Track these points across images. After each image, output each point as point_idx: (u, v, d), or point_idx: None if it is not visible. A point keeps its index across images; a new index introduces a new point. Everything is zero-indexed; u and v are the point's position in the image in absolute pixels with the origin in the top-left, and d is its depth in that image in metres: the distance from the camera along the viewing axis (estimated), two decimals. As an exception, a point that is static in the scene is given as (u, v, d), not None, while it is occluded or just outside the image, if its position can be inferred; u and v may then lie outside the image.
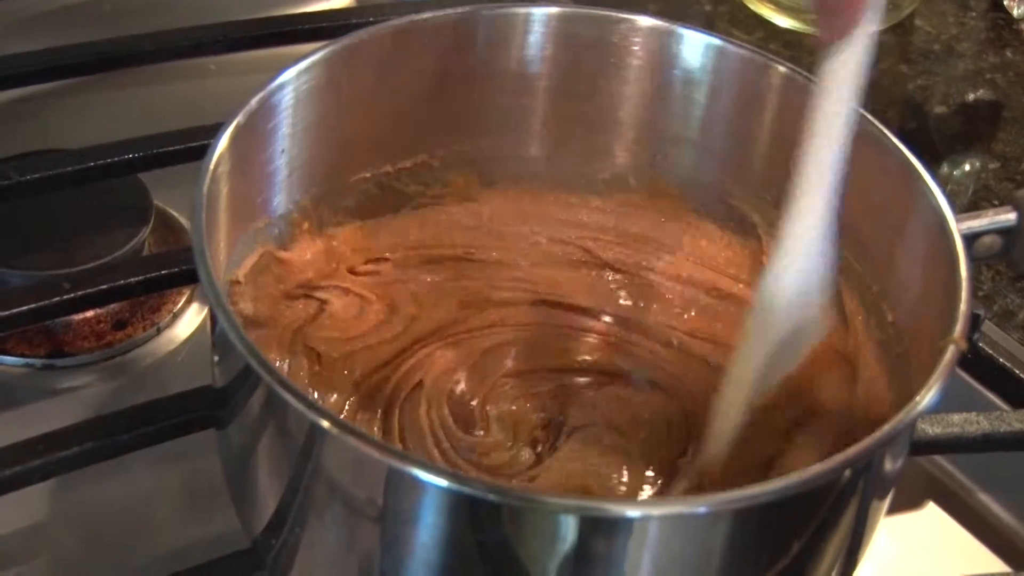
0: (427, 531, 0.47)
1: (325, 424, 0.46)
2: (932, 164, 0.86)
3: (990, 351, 0.70)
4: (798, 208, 0.55)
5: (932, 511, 0.70)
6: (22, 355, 0.70)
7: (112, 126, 0.76)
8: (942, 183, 0.84)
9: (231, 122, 0.55)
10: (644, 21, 0.64)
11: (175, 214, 0.77)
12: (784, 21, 0.95)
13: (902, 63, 0.94)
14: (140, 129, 0.74)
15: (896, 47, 0.95)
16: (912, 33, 0.96)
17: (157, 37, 0.80)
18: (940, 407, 0.61)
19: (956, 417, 0.63)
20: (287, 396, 0.47)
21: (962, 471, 0.71)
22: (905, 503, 0.70)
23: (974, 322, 0.69)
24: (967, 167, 0.87)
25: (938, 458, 0.72)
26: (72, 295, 0.66)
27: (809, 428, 0.62)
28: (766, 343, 0.56)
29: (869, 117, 0.60)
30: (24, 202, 0.72)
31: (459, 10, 0.64)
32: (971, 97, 0.92)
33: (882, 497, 0.54)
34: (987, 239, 0.59)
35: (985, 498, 0.71)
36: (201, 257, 0.50)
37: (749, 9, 0.96)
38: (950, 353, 0.51)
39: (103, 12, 0.89)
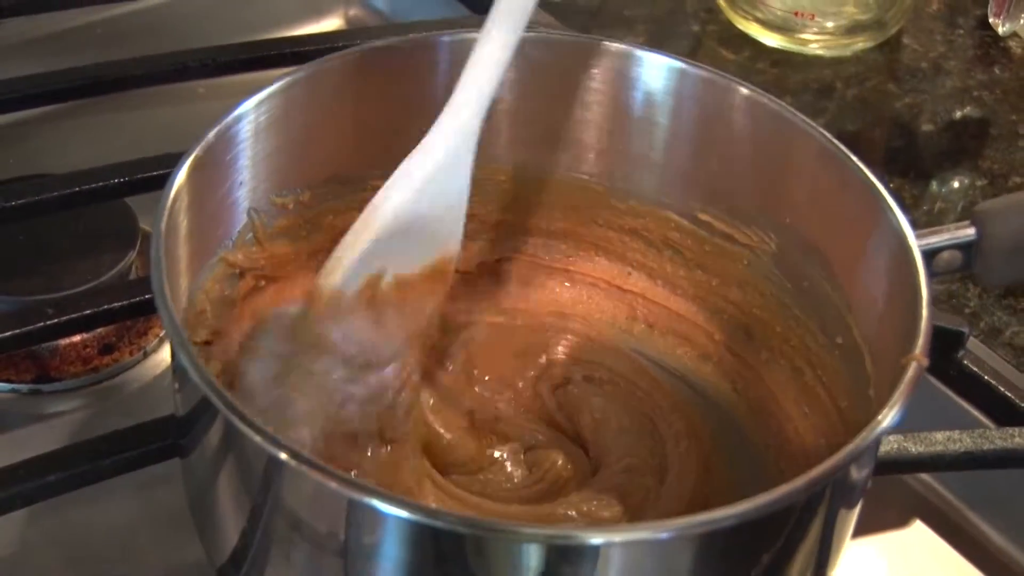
0: (390, 562, 0.47)
1: (283, 456, 0.46)
2: (920, 182, 0.86)
3: (975, 368, 0.70)
4: (453, 109, 0.57)
5: (919, 529, 0.70)
6: (8, 380, 0.70)
7: (101, 151, 0.76)
8: (930, 201, 0.84)
9: (188, 156, 0.56)
10: (604, 45, 0.65)
11: (162, 237, 0.77)
12: (772, 40, 0.95)
13: (890, 81, 0.94)
14: (129, 153, 0.74)
15: (884, 65, 0.95)
16: (900, 51, 0.97)
17: (145, 61, 0.80)
18: (924, 424, 0.62)
19: (939, 435, 0.63)
20: (245, 429, 0.47)
21: (948, 489, 0.72)
22: (891, 521, 0.70)
23: (958, 339, 0.69)
24: (955, 184, 0.87)
25: (924, 476, 0.72)
26: (57, 320, 0.66)
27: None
28: (390, 212, 0.57)
29: (828, 135, 0.60)
30: (10, 228, 0.72)
31: (419, 36, 0.64)
32: (959, 114, 0.92)
33: (849, 509, 0.54)
34: (947, 254, 0.59)
35: (972, 516, 0.71)
36: (160, 293, 0.50)
37: (737, 28, 0.96)
38: (912, 370, 0.51)
39: (91, 38, 0.89)
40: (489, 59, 0.58)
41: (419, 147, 0.57)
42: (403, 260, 0.58)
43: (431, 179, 0.57)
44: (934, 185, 0.87)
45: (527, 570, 0.46)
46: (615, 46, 0.64)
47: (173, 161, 0.70)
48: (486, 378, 0.66)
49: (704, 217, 0.65)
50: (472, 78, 0.58)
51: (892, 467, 0.62)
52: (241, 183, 0.60)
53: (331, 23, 0.96)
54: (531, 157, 0.67)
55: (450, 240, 0.59)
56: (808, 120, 0.61)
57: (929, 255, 0.57)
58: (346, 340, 0.57)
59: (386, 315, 0.58)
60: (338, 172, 0.64)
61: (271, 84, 0.60)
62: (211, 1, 0.93)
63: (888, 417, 0.50)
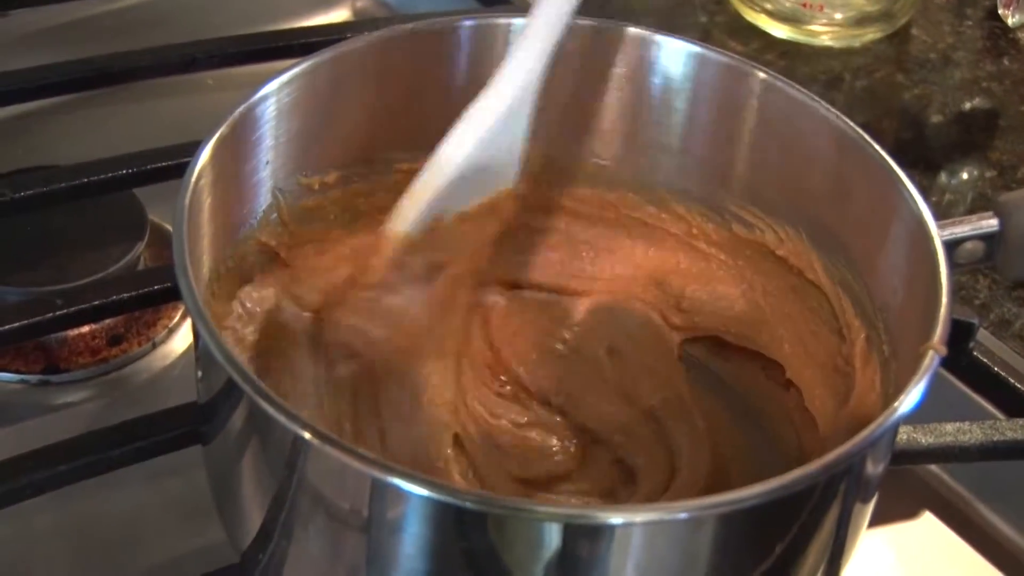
0: (411, 541, 0.48)
1: (307, 436, 0.46)
2: (929, 173, 0.86)
3: (985, 360, 0.70)
4: (516, 60, 0.60)
5: (928, 521, 0.70)
6: (17, 371, 0.70)
7: (109, 142, 0.77)
8: (939, 192, 0.84)
9: (213, 134, 0.56)
10: (625, 30, 0.65)
11: (170, 229, 0.77)
12: (780, 31, 0.95)
13: (899, 72, 0.94)
14: (137, 145, 0.74)
15: (893, 56, 0.95)
16: (908, 42, 0.96)
17: (153, 53, 0.80)
18: (934, 416, 0.62)
19: (949, 427, 0.63)
20: (269, 409, 0.47)
21: (958, 481, 0.72)
22: (901, 513, 0.70)
23: (968, 331, 0.69)
24: (964, 176, 0.87)
25: (934, 468, 0.72)
26: (66, 311, 0.66)
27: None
28: (457, 162, 0.60)
29: (848, 121, 0.60)
30: (19, 219, 0.72)
31: (441, 20, 0.64)
32: (968, 106, 0.92)
33: (864, 503, 0.54)
34: (969, 245, 0.59)
35: (982, 508, 0.71)
36: (182, 270, 0.50)
37: (745, 20, 0.96)
38: (929, 358, 0.51)
39: (99, 29, 0.89)
40: (552, 8, 0.60)
41: (483, 96, 0.60)
42: (464, 200, 0.61)
43: (496, 130, 0.60)
44: (943, 176, 0.87)
45: (546, 548, 0.47)
46: (635, 31, 0.65)
47: (182, 152, 0.71)
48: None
49: (726, 205, 0.65)
50: (535, 28, 0.60)
51: (902, 458, 0.62)
52: (266, 163, 0.60)
53: (339, 14, 0.96)
54: (551, 143, 0.67)
55: (509, 174, 0.62)
56: (830, 107, 0.61)
57: (951, 245, 0.57)
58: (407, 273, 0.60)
59: (446, 245, 0.61)
60: (363, 154, 0.64)
61: (297, 65, 0.60)
62: (220, -7, 0.93)
63: (904, 403, 0.49)
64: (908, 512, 0.70)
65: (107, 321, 0.72)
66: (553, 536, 0.46)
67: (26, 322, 0.66)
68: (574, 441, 0.63)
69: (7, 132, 0.82)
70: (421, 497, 0.46)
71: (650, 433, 0.63)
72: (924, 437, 0.63)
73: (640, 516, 0.47)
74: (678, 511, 0.48)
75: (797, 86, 0.62)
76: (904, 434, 0.62)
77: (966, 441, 0.63)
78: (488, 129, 0.60)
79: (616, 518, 0.47)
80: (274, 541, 0.52)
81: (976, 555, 0.69)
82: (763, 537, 0.49)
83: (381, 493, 0.47)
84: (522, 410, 0.64)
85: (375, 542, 0.48)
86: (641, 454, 0.62)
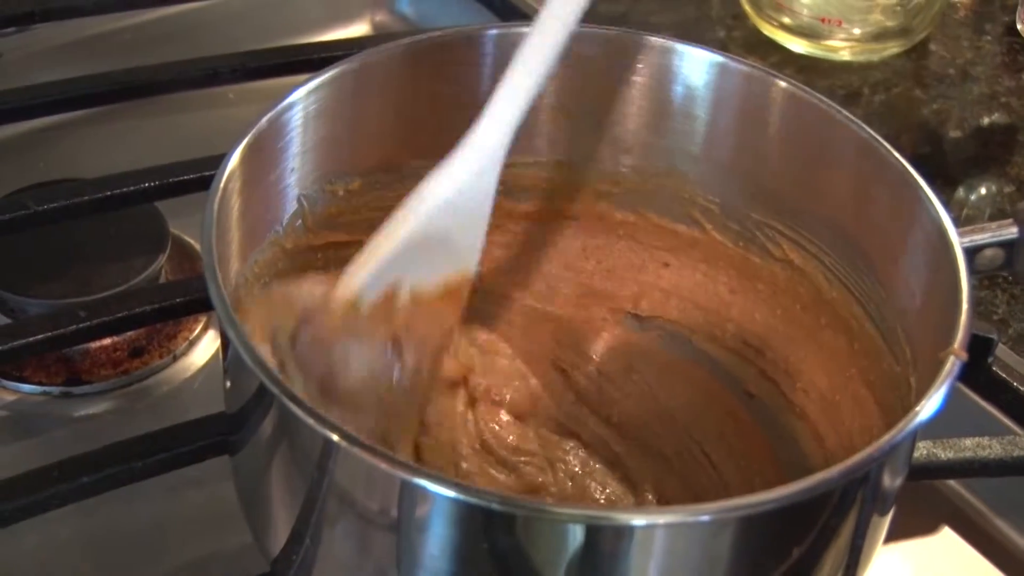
0: (439, 542, 0.48)
1: (336, 439, 0.47)
2: (947, 188, 0.86)
3: (1003, 375, 0.70)
4: (482, 129, 0.58)
5: (947, 536, 0.70)
6: (40, 383, 0.71)
7: (131, 155, 0.77)
8: (958, 207, 0.84)
9: (241, 141, 0.56)
10: (647, 39, 0.65)
11: (191, 242, 0.78)
12: (798, 46, 0.95)
13: (917, 87, 0.94)
14: (159, 158, 0.74)
15: (911, 71, 0.95)
16: (927, 57, 0.97)
17: (175, 67, 0.81)
18: (953, 431, 0.62)
19: (968, 441, 0.63)
20: (299, 412, 0.47)
21: (977, 496, 0.72)
22: (920, 528, 0.70)
23: (987, 346, 0.69)
24: (983, 191, 0.87)
25: (953, 483, 0.72)
26: (89, 323, 0.66)
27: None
28: (414, 227, 0.57)
29: (867, 129, 0.61)
30: (42, 231, 0.73)
31: (464, 29, 0.64)
32: (986, 121, 0.92)
33: (882, 513, 0.54)
34: (989, 252, 0.59)
35: (1000, 523, 0.71)
36: (212, 275, 0.51)
37: (763, 35, 0.96)
38: (950, 364, 0.51)
39: (121, 43, 0.90)
40: (520, 85, 0.58)
41: (446, 162, 0.58)
42: (421, 273, 0.58)
43: (456, 196, 0.58)
44: (961, 191, 0.87)
45: (569, 548, 0.47)
46: (656, 40, 0.65)
47: (203, 166, 0.71)
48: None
49: (746, 212, 0.65)
50: (501, 101, 0.58)
51: (921, 473, 0.62)
52: (292, 170, 0.61)
53: (358, 29, 0.97)
54: (573, 150, 0.67)
55: (468, 256, 0.59)
56: (850, 116, 0.61)
57: (971, 252, 0.57)
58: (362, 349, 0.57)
59: (401, 333, 0.58)
60: (387, 161, 0.64)
61: (322, 73, 0.60)
62: (240, 7, 0.94)
63: (925, 408, 0.49)
64: (927, 527, 0.70)
65: (129, 333, 0.72)
66: (577, 537, 0.47)
67: (49, 334, 0.66)
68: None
69: (30, 145, 0.83)
70: (448, 499, 0.47)
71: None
72: (943, 452, 0.63)
73: (662, 518, 0.48)
74: (700, 513, 0.48)
75: (817, 95, 0.62)
76: (923, 449, 0.62)
77: (985, 456, 0.63)
78: (449, 195, 0.57)
79: (639, 520, 0.47)
80: (304, 545, 0.52)
81: (995, 570, 0.69)
82: (782, 541, 0.49)
83: (409, 495, 0.47)
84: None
85: (403, 543, 0.49)
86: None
